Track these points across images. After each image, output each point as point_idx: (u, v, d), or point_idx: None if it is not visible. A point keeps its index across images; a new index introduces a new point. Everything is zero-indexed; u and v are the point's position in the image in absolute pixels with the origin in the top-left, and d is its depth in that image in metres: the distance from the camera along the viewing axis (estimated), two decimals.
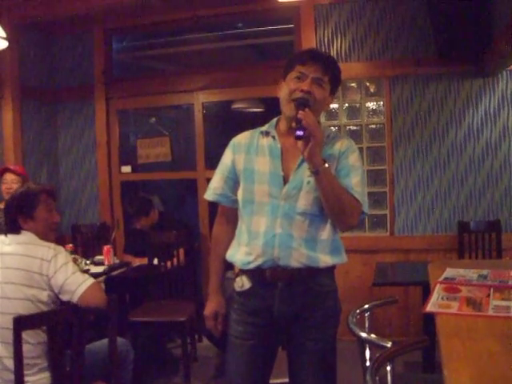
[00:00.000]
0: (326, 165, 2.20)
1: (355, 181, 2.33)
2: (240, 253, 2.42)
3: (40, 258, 2.83)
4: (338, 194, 2.25)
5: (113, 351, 2.89)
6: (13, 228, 2.97)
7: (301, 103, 2.25)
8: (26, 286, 2.79)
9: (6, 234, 2.98)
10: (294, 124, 2.24)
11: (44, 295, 2.82)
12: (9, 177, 4.89)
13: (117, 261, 4.84)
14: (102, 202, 6.14)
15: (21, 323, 2.57)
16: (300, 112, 2.19)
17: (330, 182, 2.23)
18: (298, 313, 2.37)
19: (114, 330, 2.89)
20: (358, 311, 2.46)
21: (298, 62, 2.37)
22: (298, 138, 2.16)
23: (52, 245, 2.95)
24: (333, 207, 2.27)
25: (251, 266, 2.37)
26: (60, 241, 4.47)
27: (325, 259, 2.35)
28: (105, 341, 3.03)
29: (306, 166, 2.28)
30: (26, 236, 2.94)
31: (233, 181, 2.49)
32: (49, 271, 2.82)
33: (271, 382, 2.53)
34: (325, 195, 2.25)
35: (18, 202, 3.02)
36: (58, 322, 2.74)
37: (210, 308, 2.58)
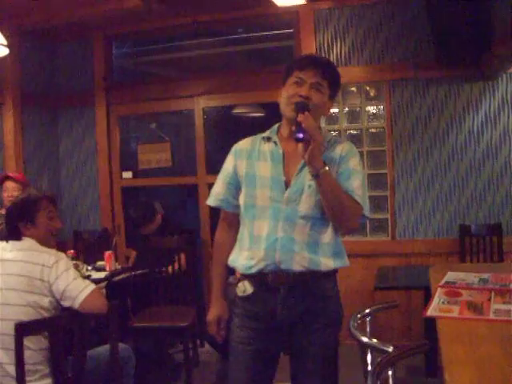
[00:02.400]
0: (327, 168, 2.21)
1: (356, 184, 2.34)
2: (242, 257, 2.43)
3: (41, 265, 2.83)
4: (338, 196, 2.26)
5: (114, 357, 2.89)
6: (14, 234, 2.98)
7: (300, 107, 2.26)
8: (27, 293, 2.79)
9: (6, 240, 2.98)
10: (293, 127, 2.25)
11: (45, 301, 2.82)
12: (9, 184, 4.90)
13: (118, 266, 4.84)
14: (103, 207, 6.15)
15: (22, 329, 2.57)
16: (300, 115, 2.20)
17: (331, 185, 2.24)
18: (300, 317, 2.37)
19: (115, 335, 2.90)
20: (359, 315, 2.46)
21: (296, 67, 2.39)
22: (298, 140, 2.17)
23: (53, 251, 2.96)
24: (334, 210, 2.28)
25: (253, 270, 2.37)
26: (61, 247, 4.46)
27: (327, 262, 2.35)
28: (106, 346, 3.03)
29: (307, 170, 2.29)
30: (28, 242, 2.94)
31: (234, 186, 2.51)
32: (50, 277, 2.82)
33: None
34: (325, 198, 2.26)
35: (20, 208, 3.02)
36: (60, 328, 2.74)
37: (213, 313, 2.58)
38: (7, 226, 3.02)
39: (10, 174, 5.05)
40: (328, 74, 2.39)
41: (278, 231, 2.34)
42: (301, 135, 2.16)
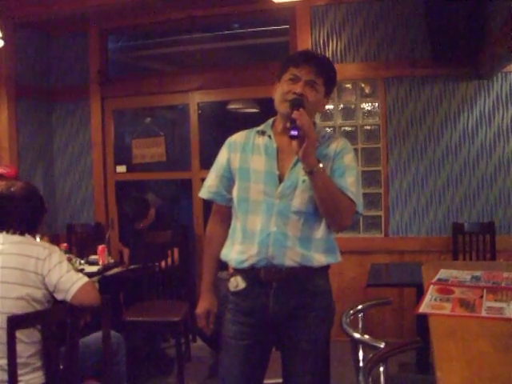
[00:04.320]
0: (321, 165, 2.21)
1: (350, 181, 2.34)
2: (234, 252, 2.43)
3: (35, 258, 2.83)
4: (332, 194, 2.26)
5: (106, 350, 2.89)
6: (34, 225, 2.99)
7: (295, 103, 2.26)
8: (21, 285, 2.78)
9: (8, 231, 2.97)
10: (288, 124, 2.24)
11: (39, 294, 2.82)
12: (2, 182, 4.87)
13: (111, 260, 4.83)
14: (96, 201, 6.14)
15: (14, 323, 2.57)
16: (294, 112, 2.19)
17: (325, 183, 2.24)
18: (292, 313, 2.37)
19: (107, 329, 2.89)
20: (351, 312, 2.47)
21: (291, 63, 2.38)
22: (293, 137, 2.17)
23: (47, 244, 2.97)
24: (327, 207, 2.28)
25: (245, 264, 2.37)
26: (54, 240, 4.47)
27: (319, 258, 2.36)
28: (95, 334, 3.04)
29: (301, 165, 2.28)
30: (21, 236, 2.94)
31: (228, 179, 2.50)
32: (43, 270, 2.82)
33: (265, 382, 2.53)
34: (319, 195, 2.26)
35: (40, 197, 3.07)
36: (52, 322, 2.74)
37: (202, 307, 2.58)
38: (26, 215, 3.00)
39: (4, 172, 4.97)
40: (324, 72, 2.38)
41: (270, 226, 2.33)
42: (295, 132, 2.16)
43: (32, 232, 2.99)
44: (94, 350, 2.99)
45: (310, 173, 2.20)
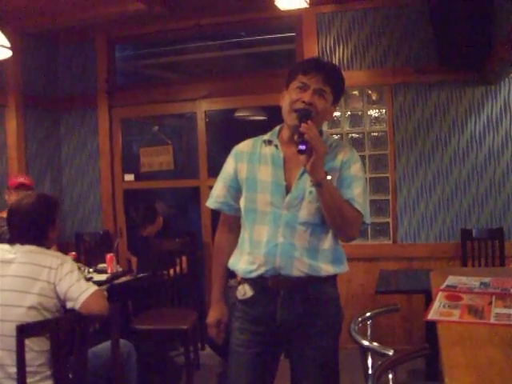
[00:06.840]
0: (329, 177, 2.20)
1: (357, 192, 2.33)
2: (242, 261, 2.43)
3: (48, 267, 2.85)
4: (339, 206, 2.25)
5: (115, 358, 2.89)
6: (40, 237, 2.99)
7: (303, 115, 2.24)
8: (33, 294, 2.80)
9: (22, 242, 2.98)
10: (296, 137, 2.23)
11: (50, 303, 2.83)
12: (22, 191, 4.86)
13: (120, 269, 4.83)
14: (104, 210, 6.15)
15: (23, 331, 2.57)
16: (303, 125, 2.17)
17: (332, 195, 2.23)
18: (300, 321, 2.37)
19: (116, 338, 2.90)
20: (360, 319, 2.46)
21: (300, 71, 2.36)
22: (301, 152, 2.15)
23: (59, 254, 2.99)
24: (334, 219, 2.27)
25: (253, 274, 2.37)
26: (63, 249, 4.48)
27: (326, 268, 2.35)
28: (104, 345, 3.04)
29: (308, 175, 2.27)
30: (33, 245, 2.96)
31: (235, 189, 2.50)
32: (55, 279, 2.84)
33: None
34: (326, 207, 2.25)
35: (49, 209, 3.05)
36: (61, 330, 2.75)
37: (212, 316, 2.58)
38: (32, 227, 3.01)
39: (25, 182, 4.94)
40: (332, 80, 2.36)
41: (278, 237, 2.33)
42: (303, 147, 2.14)
43: (41, 243, 3.00)
44: (105, 359, 2.99)
45: (318, 185, 2.19)
